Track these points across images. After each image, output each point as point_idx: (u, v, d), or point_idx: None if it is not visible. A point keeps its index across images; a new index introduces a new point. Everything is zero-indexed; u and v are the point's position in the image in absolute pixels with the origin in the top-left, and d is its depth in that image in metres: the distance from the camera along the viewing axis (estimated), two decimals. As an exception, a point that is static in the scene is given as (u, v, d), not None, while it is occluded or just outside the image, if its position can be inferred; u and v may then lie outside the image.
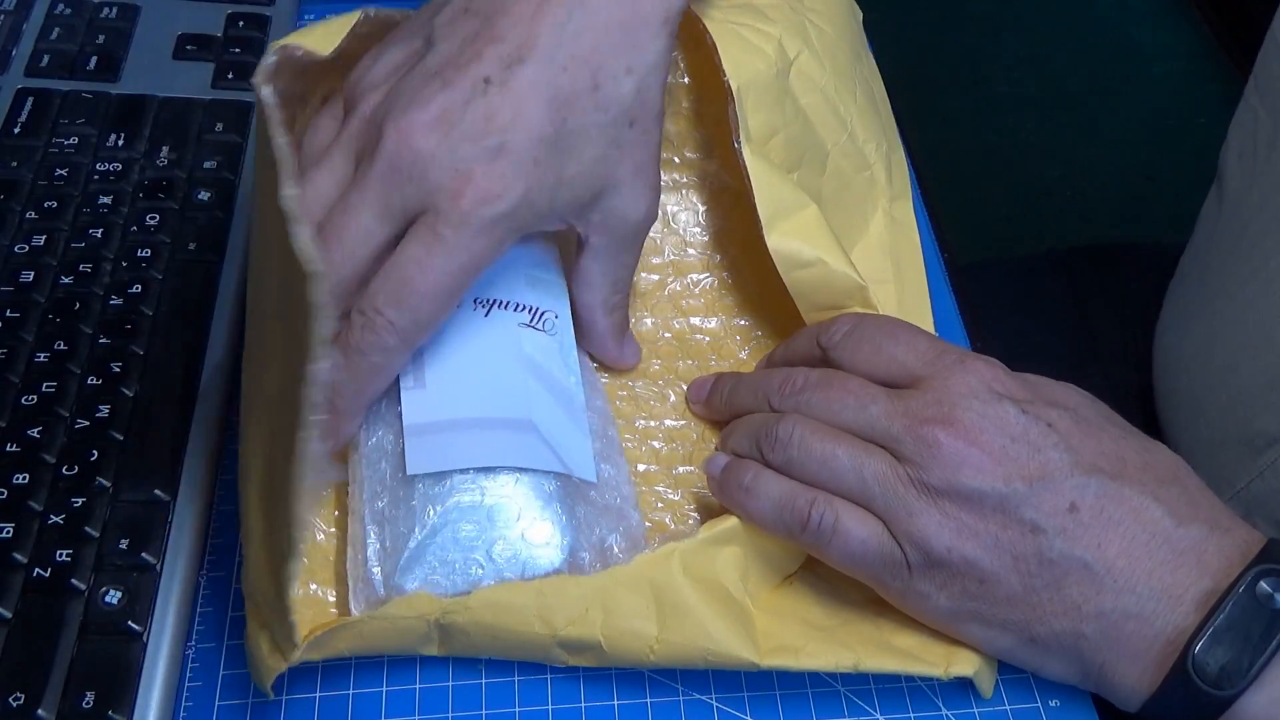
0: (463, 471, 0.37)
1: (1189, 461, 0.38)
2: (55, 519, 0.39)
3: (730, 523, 0.39)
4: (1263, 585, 0.34)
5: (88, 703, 0.36)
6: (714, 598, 0.37)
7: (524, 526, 0.37)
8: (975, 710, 0.39)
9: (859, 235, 0.48)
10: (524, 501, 0.38)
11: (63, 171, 0.49)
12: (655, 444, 0.44)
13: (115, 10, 0.55)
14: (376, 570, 0.37)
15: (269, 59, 0.36)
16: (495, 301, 0.41)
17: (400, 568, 0.36)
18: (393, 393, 0.39)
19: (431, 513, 0.37)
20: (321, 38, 0.39)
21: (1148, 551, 0.35)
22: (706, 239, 0.49)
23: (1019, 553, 0.35)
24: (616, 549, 0.39)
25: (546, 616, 0.36)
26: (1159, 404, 0.40)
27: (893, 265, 0.47)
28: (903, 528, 0.36)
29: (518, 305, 0.41)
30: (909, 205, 0.49)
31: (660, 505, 0.43)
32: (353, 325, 0.35)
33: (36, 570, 0.38)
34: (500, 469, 0.38)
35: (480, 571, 0.37)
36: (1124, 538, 0.35)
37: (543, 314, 0.41)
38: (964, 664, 0.38)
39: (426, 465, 0.37)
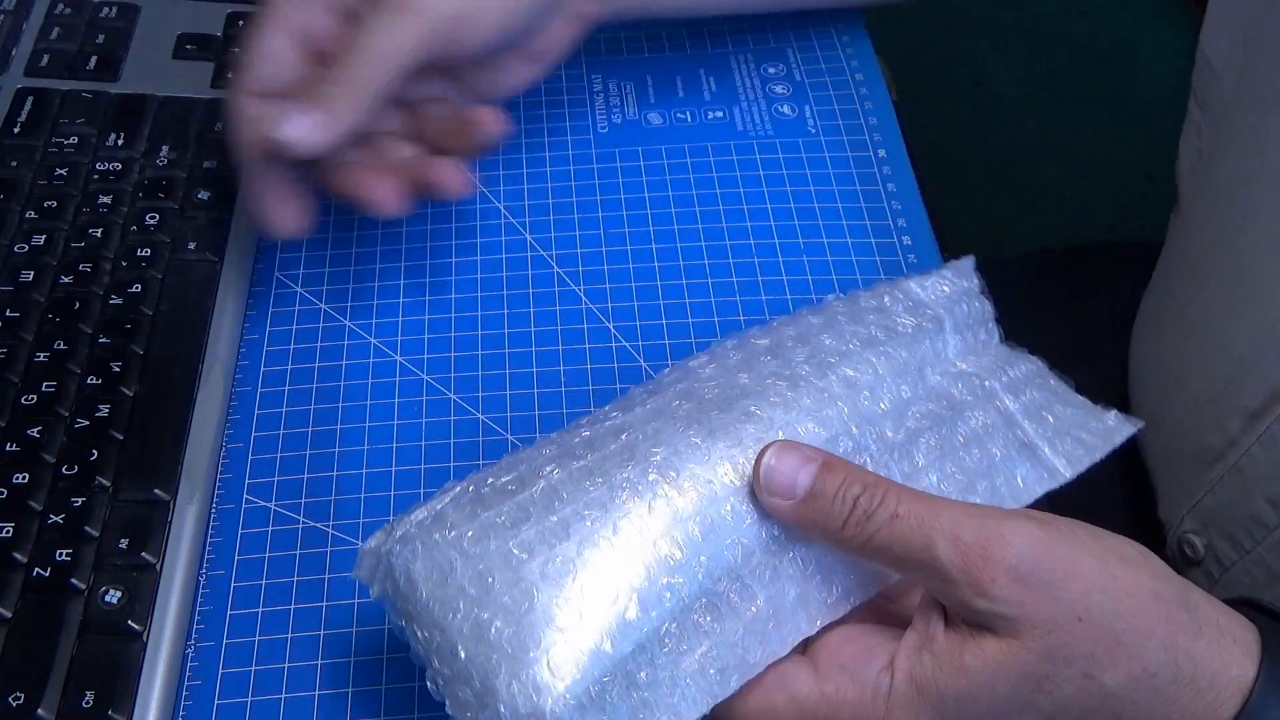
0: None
1: (1154, 474, 0.35)
2: (55, 519, 0.39)
3: None
4: None
5: (87, 702, 0.36)
6: None
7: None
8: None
9: None
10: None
11: (62, 171, 0.49)
12: None
13: (115, 10, 0.55)
14: None
15: None
16: None
17: None
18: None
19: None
20: None
21: None
22: None
23: None
24: None
25: None
26: (1132, 414, 0.40)
27: None
28: None
29: None
30: None
31: None
32: None
33: (36, 570, 0.38)
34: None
35: None
36: None
37: None
38: None
39: None
